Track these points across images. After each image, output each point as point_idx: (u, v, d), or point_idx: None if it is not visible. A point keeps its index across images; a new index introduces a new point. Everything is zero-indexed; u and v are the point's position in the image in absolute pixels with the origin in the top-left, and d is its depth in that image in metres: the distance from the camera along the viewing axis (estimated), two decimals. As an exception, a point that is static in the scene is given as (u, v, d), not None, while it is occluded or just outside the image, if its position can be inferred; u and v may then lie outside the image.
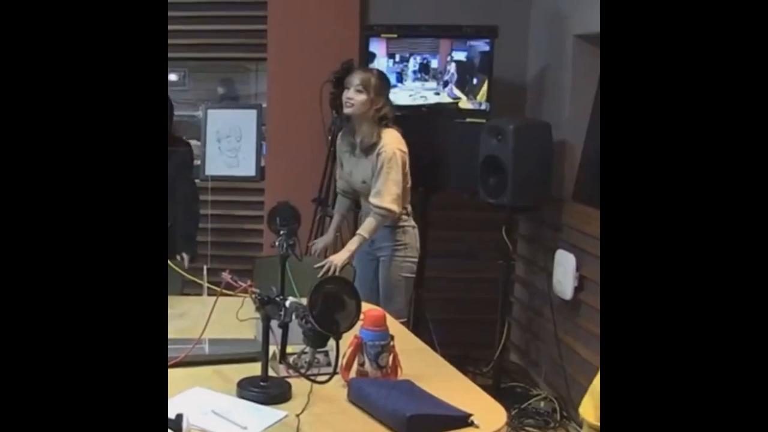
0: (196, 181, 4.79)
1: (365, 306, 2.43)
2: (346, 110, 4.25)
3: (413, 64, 5.27)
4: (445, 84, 5.22)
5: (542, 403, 5.01)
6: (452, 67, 5.19)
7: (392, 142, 4.21)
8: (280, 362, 2.50)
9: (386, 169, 4.17)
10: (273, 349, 2.53)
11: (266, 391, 2.47)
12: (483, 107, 5.12)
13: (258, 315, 2.59)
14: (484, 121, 5.05)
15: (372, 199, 4.22)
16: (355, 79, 4.24)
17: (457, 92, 5.20)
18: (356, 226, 4.57)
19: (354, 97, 4.21)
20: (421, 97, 5.23)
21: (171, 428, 2.06)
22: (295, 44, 5.48)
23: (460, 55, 5.17)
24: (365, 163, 4.27)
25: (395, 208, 4.18)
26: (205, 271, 2.93)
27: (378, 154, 4.18)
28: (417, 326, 4.84)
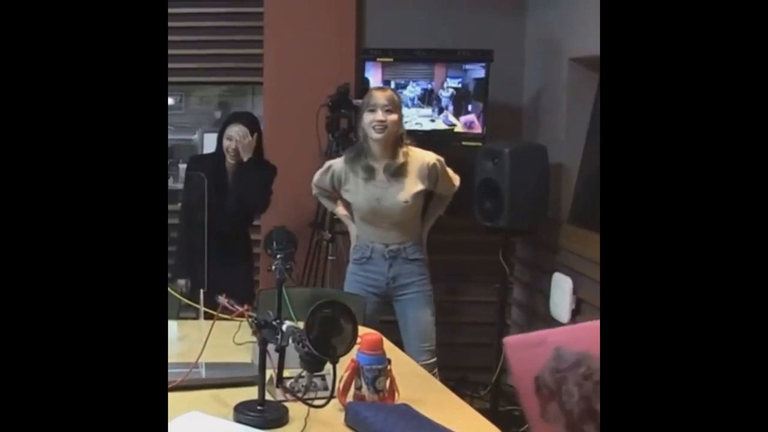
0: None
1: (362, 330, 2.43)
2: (377, 135, 4.01)
3: (411, 90, 5.29)
4: (440, 111, 5.24)
5: (540, 427, 5.00)
6: (449, 94, 5.22)
7: (427, 153, 4.16)
8: (277, 386, 2.48)
9: (445, 170, 4.17)
10: (270, 373, 2.52)
11: (263, 415, 2.46)
12: (479, 131, 5.14)
13: (255, 339, 2.59)
14: (480, 144, 5.07)
15: (447, 191, 4.26)
16: (381, 99, 4.03)
17: (453, 119, 5.22)
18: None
19: (386, 119, 3.99)
20: (417, 123, 5.25)
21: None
22: (291, 68, 5.52)
23: (455, 83, 5.20)
24: (398, 186, 4.08)
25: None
26: (201, 295, 2.93)
27: (428, 166, 4.10)
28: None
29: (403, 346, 4.13)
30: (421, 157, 4.11)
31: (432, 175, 4.11)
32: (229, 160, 4.66)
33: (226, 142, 4.64)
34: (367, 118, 4.05)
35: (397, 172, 4.07)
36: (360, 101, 5.01)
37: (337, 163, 4.25)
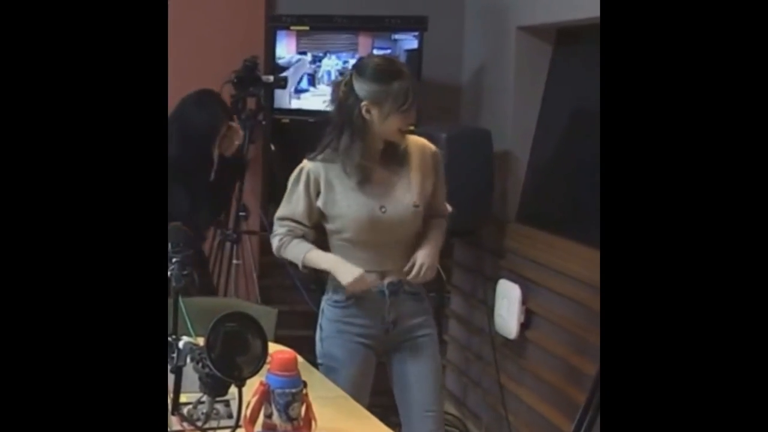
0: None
1: (272, 347, 2.44)
2: (403, 141, 3.55)
3: (327, 64, 5.30)
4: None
5: (483, 461, 5.04)
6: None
7: (420, 138, 3.71)
8: (173, 413, 2.48)
9: (443, 170, 3.73)
10: (164, 398, 2.52)
11: (156, 448, 2.46)
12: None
13: (146, 358, 2.58)
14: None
15: (442, 207, 3.75)
16: (410, 92, 3.44)
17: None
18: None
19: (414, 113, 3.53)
20: (337, 103, 5.24)
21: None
22: (190, 38, 5.39)
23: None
24: (402, 182, 3.57)
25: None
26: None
27: (431, 154, 3.64)
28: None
29: (398, 411, 3.67)
30: (417, 142, 3.68)
31: (434, 167, 3.67)
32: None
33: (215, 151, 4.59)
34: (398, 121, 3.48)
35: (400, 160, 3.58)
36: (269, 77, 4.99)
37: (311, 164, 3.59)
